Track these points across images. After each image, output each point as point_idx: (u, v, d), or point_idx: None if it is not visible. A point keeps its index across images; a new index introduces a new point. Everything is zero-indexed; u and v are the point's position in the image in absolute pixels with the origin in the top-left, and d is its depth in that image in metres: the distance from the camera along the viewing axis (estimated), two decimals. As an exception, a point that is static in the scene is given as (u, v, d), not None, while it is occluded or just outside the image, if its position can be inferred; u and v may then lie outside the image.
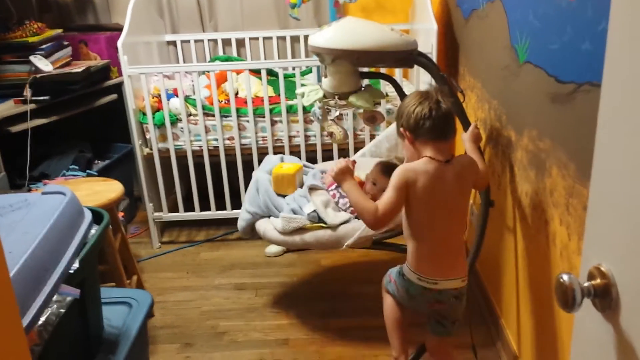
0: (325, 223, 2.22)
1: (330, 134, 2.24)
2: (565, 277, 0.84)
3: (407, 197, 1.66)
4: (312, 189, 2.36)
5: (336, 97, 2.06)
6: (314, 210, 2.24)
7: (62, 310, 1.27)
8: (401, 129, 1.71)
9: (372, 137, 3.02)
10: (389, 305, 1.90)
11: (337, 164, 1.75)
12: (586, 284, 0.84)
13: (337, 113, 2.17)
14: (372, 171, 2.39)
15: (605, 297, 0.82)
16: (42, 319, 1.21)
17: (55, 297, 1.26)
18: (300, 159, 3.02)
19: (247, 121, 3.00)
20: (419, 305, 1.79)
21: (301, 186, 2.44)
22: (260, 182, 2.44)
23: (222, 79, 3.23)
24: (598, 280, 0.83)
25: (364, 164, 2.48)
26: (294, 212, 2.29)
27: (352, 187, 1.71)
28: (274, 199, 2.38)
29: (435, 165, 1.66)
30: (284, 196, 2.40)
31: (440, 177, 1.66)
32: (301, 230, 2.24)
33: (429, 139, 1.68)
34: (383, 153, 2.62)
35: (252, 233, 2.46)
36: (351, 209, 2.29)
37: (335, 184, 2.37)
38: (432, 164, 1.66)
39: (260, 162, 3.03)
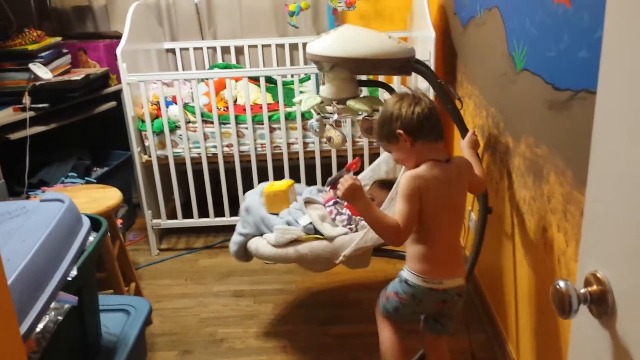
0: (321, 234, 2.15)
1: (329, 139, 2.23)
2: (561, 284, 0.85)
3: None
4: (308, 202, 2.30)
5: (334, 102, 2.06)
6: (310, 223, 2.18)
7: (60, 318, 1.27)
8: (399, 132, 1.67)
9: (371, 143, 3.03)
10: (387, 337, 1.84)
11: (342, 182, 1.62)
12: (582, 291, 0.84)
13: (335, 117, 2.14)
14: (370, 188, 2.38)
15: (601, 303, 0.82)
16: (40, 326, 1.21)
17: (53, 305, 1.26)
18: (298, 166, 3.03)
19: (246, 128, 3.00)
20: (424, 309, 1.77)
21: (296, 201, 2.37)
22: (250, 204, 2.35)
23: (220, 86, 3.24)
24: (594, 287, 0.84)
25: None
26: (289, 225, 2.21)
27: (367, 206, 1.62)
28: (266, 218, 2.28)
29: (440, 168, 1.66)
30: (277, 215, 2.30)
31: (445, 178, 1.67)
32: (295, 242, 2.15)
33: (431, 140, 1.67)
34: (382, 176, 2.51)
35: (245, 256, 2.36)
36: (349, 227, 2.24)
37: (333, 200, 2.34)
38: (437, 167, 1.66)
39: (258, 169, 3.04)
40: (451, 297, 1.73)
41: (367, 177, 2.52)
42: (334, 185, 2.45)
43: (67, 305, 1.29)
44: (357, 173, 2.52)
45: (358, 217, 2.24)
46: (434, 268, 1.70)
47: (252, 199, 2.39)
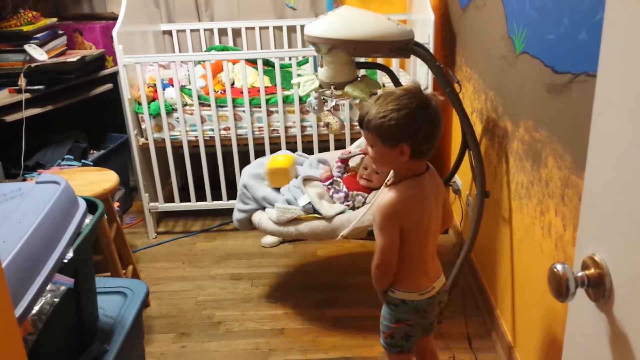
0: (320, 214, 2.21)
1: (327, 125, 2.23)
2: (559, 267, 0.84)
3: (400, 230, 1.54)
4: (306, 179, 2.35)
5: (332, 87, 2.05)
6: (309, 202, 2.23)
7: (56, 300, 1.26)
8: (403, 148, 1.47)
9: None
10: None
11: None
12: (580, 274, 0.84)
13: (333, 103, 2.14)
14: (364, 160, 2.38)
15: (599, 287, 0.82)
16: (36, 308, 1.20)
17: (49, 287, 1.25)
18: (296, 150, 3.02)
19: (243, 111, 2.98)
20: (429, 318, 1.70)
21: (296, 177, 2.43)
22: (248, 183, 2.42)
23: (218, 68, 3.22)
24: (592, 270, 0.83)
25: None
26: (289, 203, 2.28)
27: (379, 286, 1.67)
28: (267, 196, 2.36)
29: (417, 184, 1.54)
30: (278, 189, 2.39)
31: (422, 193, 1.55)
32: (296, 220, 2.23)
33: (424, 158, 1.55)
34: None
35: (250, 225, 2.44)
36: (347, 203, 2.27)
37: (331, 180, 2.36)
38: (414, 185, 1.53)
39: (256, 152, 3.03)
40: (443, 297, 1.69)
41: (364, 143, 2.53)
42: (342, 160, 2.47)
43: (63, 287, 1.29)
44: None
45: (354, 192, 2.29)
46: (426, 279, 1.63)
47: (249, 178, 2.44)
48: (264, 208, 2.37)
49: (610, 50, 0.81)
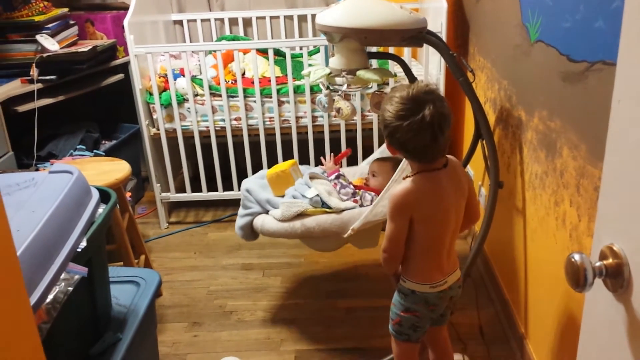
0: (328, 208, 2.08)
1: (338, 110, 2.19)
2: (576, 257, 0.83)
3: (411, 221, 1.54)
4: (313, 177, 2.25)
5: (344, 72, 2.02)
6: (317, 195, 2.10)
7: (70, 289, 1.27)
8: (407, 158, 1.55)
9: (380, 117, 2.99)
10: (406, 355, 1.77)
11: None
12: (598, 264, 0.83)
13: (345, 87, 2.09)
14: (370, 166, 2.31)
15: (617, 277, 0.81)
16: (50, 296, 1.21)
17: (63, 275, 1.26)
18: (307, 140, 3.01)
19: (254, 102, 2.98)
20: (438, 311, 1.69)
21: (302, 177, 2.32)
22: (250, 187, 2.28)
23: (228, 58, 3.21)
24: (610, 260, 0.82)
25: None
26: (295, 198, 2.16)
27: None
28: (271, 199, 2.23)
29: (432, 179, 1.54)
30: (283, 197, 2.25)
31: (438, 188, 1.54)
32: (302, 215, 2.08)
33: (431, 162, 1.55)
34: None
35: (252, 235, 2.27)
36: (354, 198, 2.17)
37: (336, 173, 2.26)
38: (429, 181, 1.53)
39: (267, 143, 3.02)
40: (455, 292, 1.68)
41: (379, 154, 2.47)
42: (337, 156, 2.44)
43: (77, 276, 1.29)
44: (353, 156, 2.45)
45: (362, 190, 2.21)
46: (439, 273, 1.62)
47: (252, 183, 2.33)
48: (267, 212, 2.21)
49: (631, 37, 0.80)
